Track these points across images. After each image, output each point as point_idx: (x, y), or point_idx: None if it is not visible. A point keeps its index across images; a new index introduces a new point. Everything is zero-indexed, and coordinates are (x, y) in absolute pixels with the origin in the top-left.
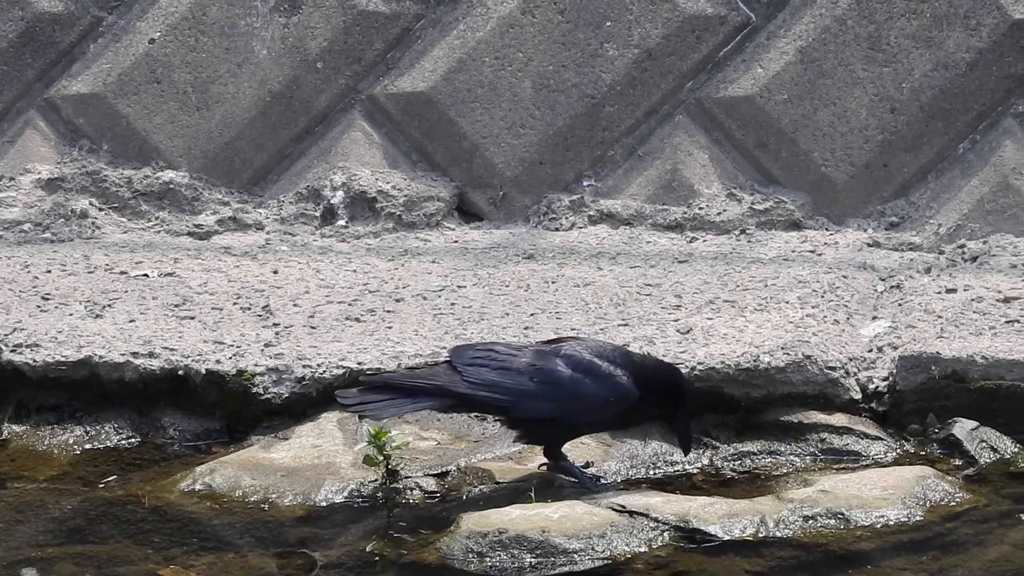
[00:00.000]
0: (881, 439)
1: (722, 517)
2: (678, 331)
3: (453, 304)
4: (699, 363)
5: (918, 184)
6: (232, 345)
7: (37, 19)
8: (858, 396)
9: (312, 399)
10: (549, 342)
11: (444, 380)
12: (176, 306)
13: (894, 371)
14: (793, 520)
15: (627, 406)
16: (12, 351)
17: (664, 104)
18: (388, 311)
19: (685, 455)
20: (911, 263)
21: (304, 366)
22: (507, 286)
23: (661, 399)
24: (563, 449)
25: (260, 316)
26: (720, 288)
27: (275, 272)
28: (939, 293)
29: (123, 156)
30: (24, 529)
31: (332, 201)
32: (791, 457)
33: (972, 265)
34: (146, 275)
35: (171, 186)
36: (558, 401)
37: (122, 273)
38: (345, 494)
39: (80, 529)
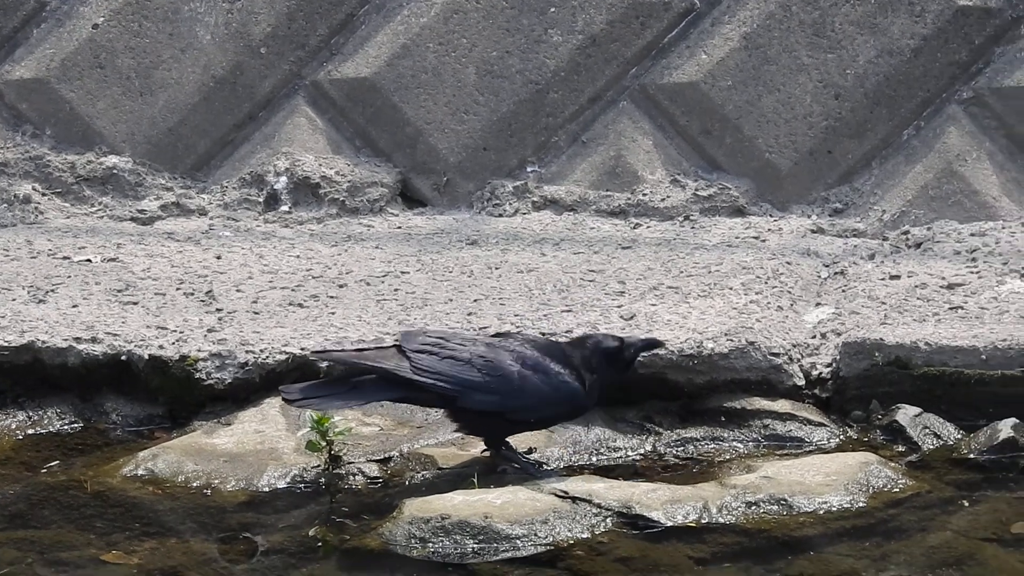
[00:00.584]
0: (824, 425)
1: (665, 503)
2: (621, 317)
3: (396, 290)
4: None
5: (862, 170)
6: (175, 330)
7: None
8: (801, 382)
9: (255, 384)
10: (499, 335)
11: (391, 364)
12: (119, 291)
13: (837, 357)
14: (736, 506)
15: (571, 407)
16: None
17: (608, 90)
18: (331, 297)
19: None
20: (855, 249)
21: (247, 351)
22: (450, 272)
23: (606, 377)
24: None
25: (203, 301)
26: (664, 274)
27: (218, 257)
28: (883, 279)
29: (66, 141)
30: None
31: (275, 187)
32: (734, 443)
33: (916, 251)
34: (89, 260)
35: (114, 171)
36: (504, 395)
37: (65, 258)
38: (288, 480)
39: (22, 514)
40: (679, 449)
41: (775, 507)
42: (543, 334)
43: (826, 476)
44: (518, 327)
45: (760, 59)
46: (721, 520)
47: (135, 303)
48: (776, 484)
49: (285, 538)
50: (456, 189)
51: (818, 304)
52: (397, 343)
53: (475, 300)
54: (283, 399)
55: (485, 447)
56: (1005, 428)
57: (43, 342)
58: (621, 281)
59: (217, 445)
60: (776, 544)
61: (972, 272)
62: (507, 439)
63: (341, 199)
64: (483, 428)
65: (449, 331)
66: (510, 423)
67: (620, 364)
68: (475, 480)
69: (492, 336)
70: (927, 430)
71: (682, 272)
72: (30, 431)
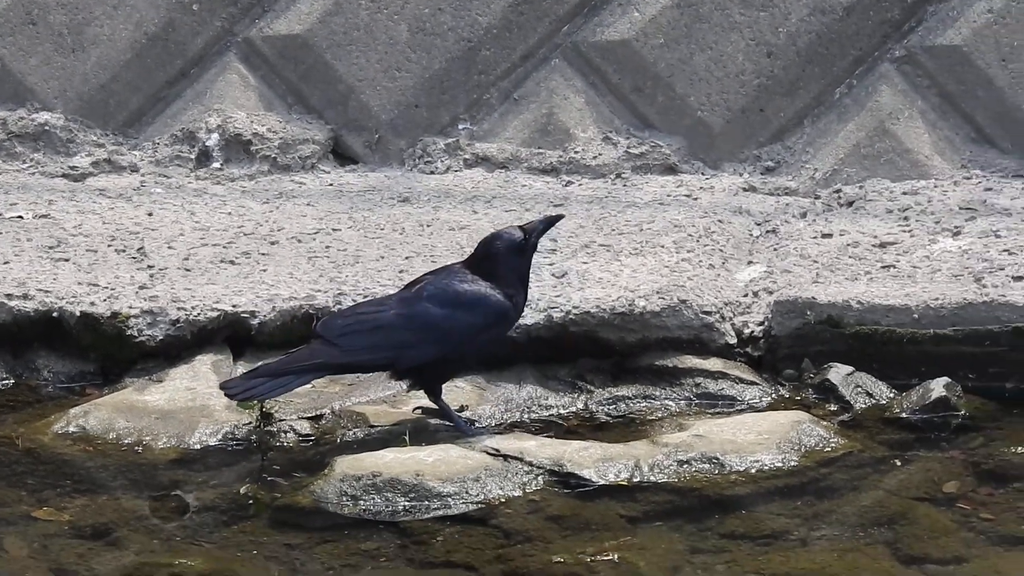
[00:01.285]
0: (756, 384)
1: (596, 461)
2: (553, 275)
3: (328, 247)
4: (574, 307)
5: (794, 129)
6: (107, 287)
7: None
8: (733, 341)
9: (187, 341)
10: (409, 285)
11: (324, 356)
12: (51, 248)
13: (769, 316)
14: (668, 465)
15: (506, 323)
16: None
17: (540, 48)
18: (263, 254)
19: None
20: (787, 208)
21: (179, 308)
22: (382, 229)
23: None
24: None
25: (135, 258)
26: (595, 232)
27: (150, 214)
28: (815, 238)
29: None
30: None
31: (207, 143)
32: (666, 402)
33: (848, 210)
34: (21, 217)
35: (46, 128)
36: (437, 342)
37: None
38: (219, 437)
39: None
40: (611, 407)
41: (707, 466)
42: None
43: (758, 435)
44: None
45: (692, 17)
46: (653, 479)
47: (67, 260)
48: (708, 443)
49: (216, 496)
50: (388, 146)
51: (750, 262)
52: (319, 334)
53: (407, 257)
54: (225, 395)
55: (418, 403)
56: (937, 387)
57: None
58: (553, 239)
59: (148, 402)
60: (708, 503)
61: (904, 231)
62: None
63: (273, 156)
64: (433, 377)
65: (361, 303)
66: (454, 362)
67: (529, 251)
68: (407, 438)
69: (403, 289)
70: (859, 389)
71: (614, 230)
72: None
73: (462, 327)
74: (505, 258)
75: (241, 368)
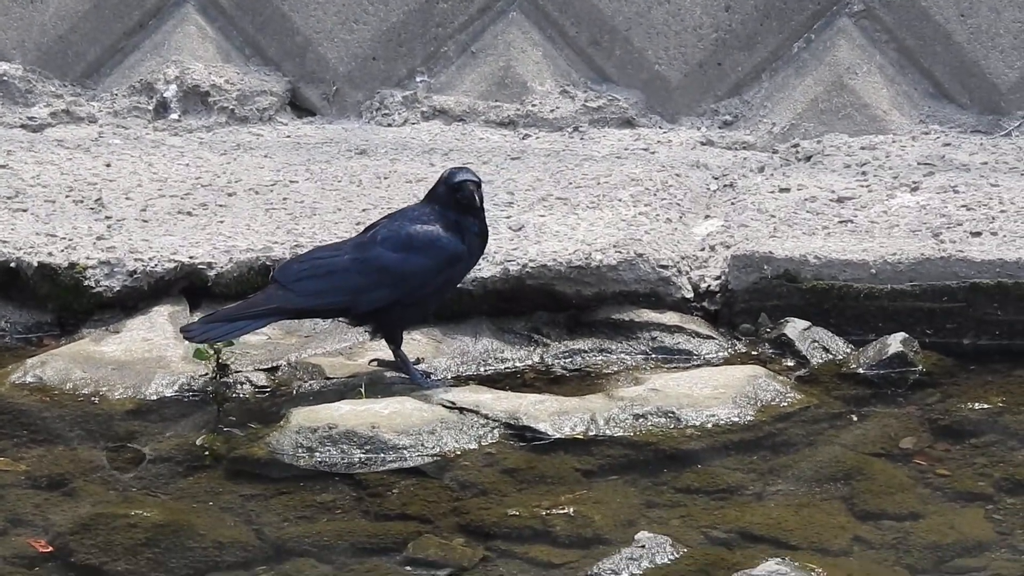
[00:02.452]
0: (713, 338)
1: (552, 415)
2: (510, 228)
3: (285, 199)
4: (531, 260)
5: (752, 83)
6: (64, 238)
7: None
8: (690, 295)
9: (144, 292)
10: (367, 230)
11: (279, 301)
12: (8, 199)
13: (726, 270)
14: (623, 418)
15: (463, 266)
16: None
17: (498, 0)
18: (220, 205)
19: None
20: (744, 162)
21: (136, 259)
22: (339, 181)
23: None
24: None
25: (93, 209)
26: (552, 185)
27: (108, 165)
28: (772, 192)
29: None
30: None
31: (165, 95)
32: (622, 355)
33: (806, 164)
34: None
35: (4, 78)
36: (392, 286)
37: None
38: (175, 388)
39: None
40: (567, 361)
41: (663, 420)
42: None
43: (714, 389)
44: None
45: None
46: (608, 432)
47: (24, 210)
48: (664, 397)
49: (172, 446)
50: (345, 99)
51: (707, 217)
52: (275, 279)
53: (364, 210)
54: (184, 338)
55: (373, 355)
56: (894, 343)
57: None
58: (510, 192)
59: (105, 353)
60: (663, 457)
61: (862, 186)
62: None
63: (231, 108)
64: (386, 324)
65: (317, 247)
66: (413, 306)
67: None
68: (363, 390)
69: (360, 234)
70: (816, 344)
71: (571, 183)
72: None
73: (415, 270)
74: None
75: (196, 316)
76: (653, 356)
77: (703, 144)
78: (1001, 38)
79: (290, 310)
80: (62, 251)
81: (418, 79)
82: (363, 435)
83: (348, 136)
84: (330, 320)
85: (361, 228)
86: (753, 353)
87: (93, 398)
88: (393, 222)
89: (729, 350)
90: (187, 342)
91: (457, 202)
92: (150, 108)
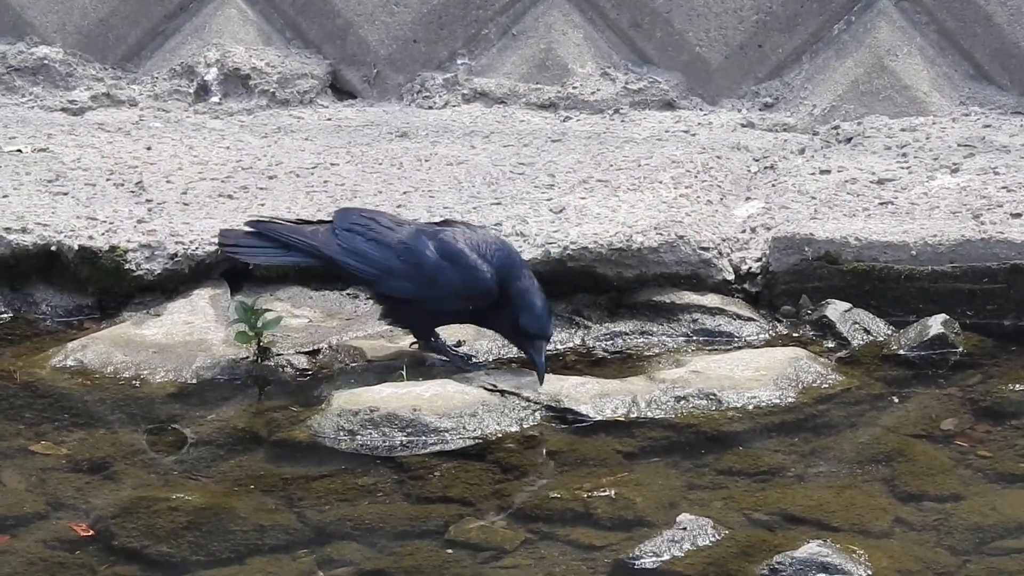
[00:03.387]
0: (754, 320)
1: (593, 397)
2: (551, 210)
3: (326, 182)
4: (572, 242)
5: (792, 65)
6: (105, 221)
7: None
8: (731, 277)
9: (184, 275)
10: (435, 223)
11: (320, 240)
12: (49, 182)
13: (767, 252)
14: (665, 400)
15: (485, 303)
16: None
17: None
18: (261, 188)
19: (540, 384)
20: (785, 144)
21: (177, 242)
22: (380, 164)
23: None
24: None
25: (133, 192)
26: (593, 168)
27: (148, 148)
28: (813, 174)
29: None
30: None
31: (206, 78)
32: (663, 337)
33: (846, 146)
34: (20, 151)
35: (45, 62)
36: (417, 283)
37: None
38: (216, 371)
39: None
40: (608, 343)
41: (704, 402)
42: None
43: (755, 371)
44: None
45: None
46: (650, 414)
47: (65, 193)
48: (705, 379)
49: (213, 429)
50: (386, 81)
51: (748, 198)
52: (331, 220)
53: (404, 192)
54: (219, 243)
55: (414, 340)
56: (935, 324)
57: None
58: (551, 174)
59: (146, 336)
60: (704, 439)
61: (902, 167)
62: (436, 332)
63: (271, 90)
64: (405, 318)
65: (387, 214)
66: (426, 313)
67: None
68: (404, 373)
69: (432, 223)
70: (857, 325)
71: (612, 166)
72: None
73: (445, 281)
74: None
75: (239, 303)
76: (694, 338)
77: (744, 126)
78: None
79: (324, 256)
80: (103, 234)
81: (459, 61)
82: (405, 418)
83: (389, 119)
84: (370, 303)
85: (402, 211)
86: (794, 335)
87: (134, 381)
88: (460, 232)
89: (770, 332)
90: (219, 247)
91: (523, 332)
92: (191, 91)
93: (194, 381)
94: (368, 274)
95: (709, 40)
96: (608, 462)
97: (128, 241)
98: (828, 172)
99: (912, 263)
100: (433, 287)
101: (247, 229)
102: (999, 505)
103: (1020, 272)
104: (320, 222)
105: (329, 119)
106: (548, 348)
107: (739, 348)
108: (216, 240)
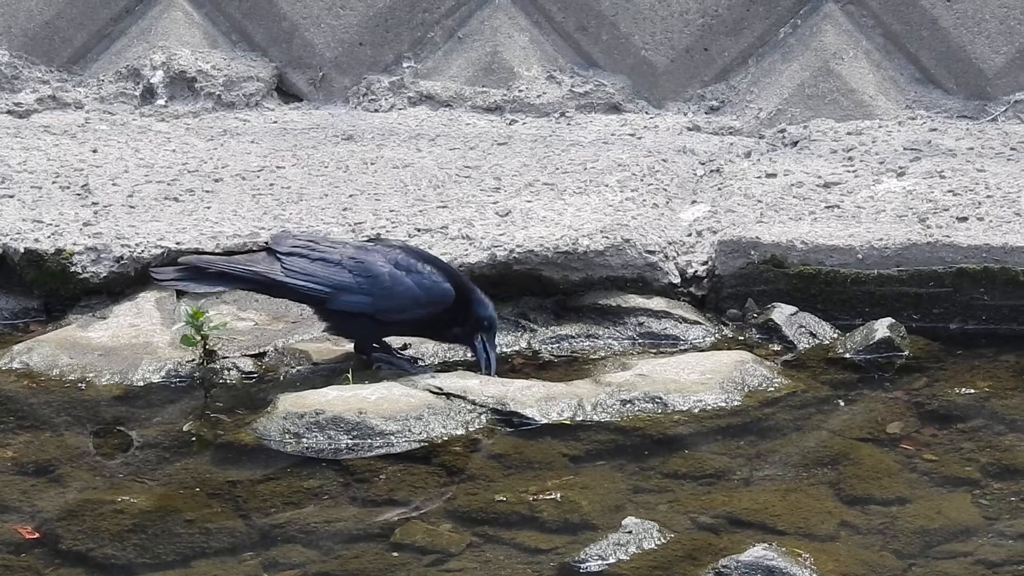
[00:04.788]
0: (700, 323)
1: (539, 400)
2: (497, 213)
3: (272, 185)
4: (518, 246)
5: (739, 68)
6: (51, 224)
7: None
8: (677, 280)
9: (130, 278)
10: (373, 240)
11: (262, 267)
12: None
13: (713, 255)
14: (611, 404)
15: (441, 308)
16: None
17: None
18: (207, 191)
19: (485, 373)
20: (731, 147)
21: (123, 245)
22: (326, 167)
23: (465, 316)
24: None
25: (79, 195)
26: (539, 171)
27: (94, 151)
28: (759, 178)
29: None
30: None
31: (152, 80)
32: (609, 341)
33: (792, 150)
34: None
35: None
36: (374, 296)
37: None
38: (162, 374)
39: None
40: (554, 346)
41: (650, 405)
42: (418, 230)
43: (701, 374)
44: (394, 223)
45: None
46: (596, 418)
47: (11, 196)
48: (651, 382)
49: (159, 432)
50: (332, 84)
51: (694, 202)
52: (267, 245)
53: (351, 195)
54: (153, 279)
55: (355, 350)
56: (881, 328)
57: None
58: (497, 177)
59: (92, 339)
60: (650, 442)
61: (849, 171)
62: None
63: (217, 93)
64: (353, 330)
65: (319, 234)
66: (380, 324)
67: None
68: (350, 376)
69: (365, 240)
70: (803, 329)
71: (558, 169)
72: None
73: (403, 291)
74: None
75: (184, 306)
76: (640, 341)
77: (690, 129)
78: (987, 23)
79: (268, 280)
80: (49, 237)
81: (405, 64)
82: (350, 421)
83: (335, 122)
84: (305, 305)
85: (348, 214)
86: (740, 338)
87: (80, 384)
88: (401, 245)
89: (716, 335)
90: (155, 282)
91: (477, 321)
92: (137, 94)
93: (140, 384)
94: (320, 292)
95: (655, 43)
96: (554, 465)
97: (74, 244)
98: (774, 176)
99: (858, 267)
100: (391, 298)
101: (179, 266)
102: (944, 508)
103: (966, 276)
104: (250, 251)
105: (275, 122)
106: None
107: (685, 351)
108: (152, 275)
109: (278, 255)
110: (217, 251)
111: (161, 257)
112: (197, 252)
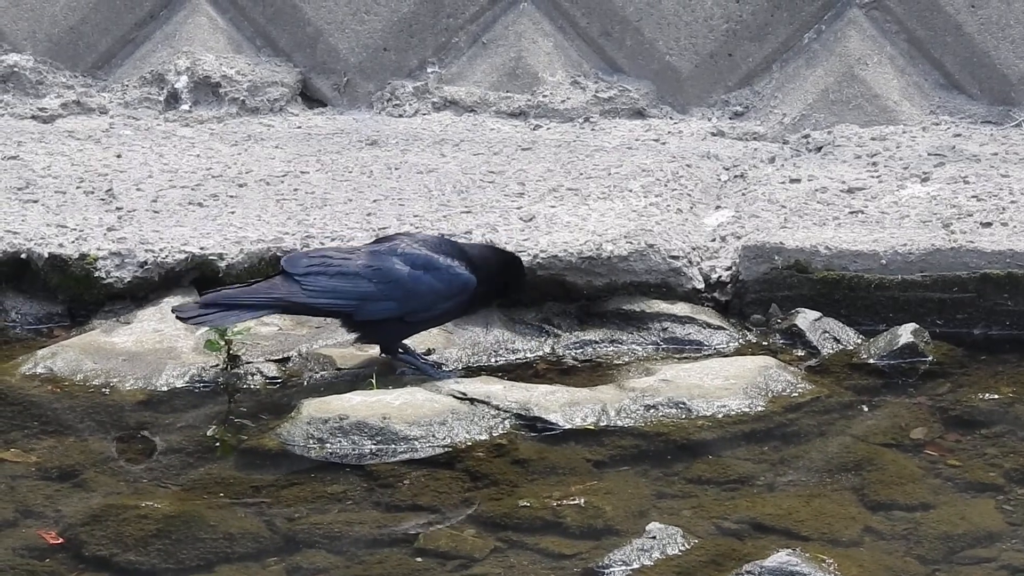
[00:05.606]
0: (724, 329)
1: (563, 406)
2: (521, 219)
3: (296, 190)
4: (542, 251)
5: (763, 74)
6: (75, 229)
7: None
8: (701, 285)
9: (154, 283)
10: (380, 241)
11: (283, 292)
12: (19, 189)
13: (737, 261)
14: (634, 409)
15: (468, 297)
16: None
17: None
18: (231, 196)
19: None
20: (755, 153)
21: (147, 250)
22: (350, 172)
23: (499, 284)
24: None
25: (103, 200)
26: (563, 176)
27: (119, 156)
28: (783, 183)
29: None
30: None
31: (176, 86)
32: (633, 346)
33: (816, 155)
34: None
35: (15, 69)
36: (399, 300)
37: None
38: (186, 379)
39: None
40: (578, 351)
41: (673, 410)
42: (440, 234)
43: (725, 380)
44: (418, 228)
45: None
46: (619, 423)
47: (35, 201)
48: (675, 387)
49: (183, 438)
50: (356, 89)
51: (718, 207)
52: (283, 270)
53: (375, 201)
54: (176, 318)
55: (381, 352)
56: (905, 333)
57: None
58: (521, 183)
59: (116, 344)
60: (674, 447)
61: (873, 176)
62: (404, 341)
63: (241, 98)
64: (380, 335)
65: (330, 247)
66: (408, 324)
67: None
68: (373, 381)
69: (374, 241)
70: (827, 334)
71: (582, 174)
72: None
73: (425, 289)
74: (484, 262)
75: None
76: (664, 347)
77: (714, 135)
78: (1011, 29)
79: (291, 303)
80: (73, 242)
81: (429, 70)
82: (374, 426)
83: (359, 127)
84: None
85: (372, 219)
86: (764, 344)
87: (104, 389)
88: (412, 239)
89: (740, 341)
90: (180, 321)
91: (506, 266)
92: (161, 99)
93: (164, 389)
94: (345, 307)
95: (679, 49)
96: (578, 470)
97: (98, 249)
98: (798, 181)
99: (882, 272)
100: (415, 298)
101: (200, 302)
102: (968, 514)
103: (990, 281)
104: (266, 277)
105: (299, 127)
106: (518, 356)
107: (709, 357)
108: (176, 315)
109: (295, 277)
110: (235, 284)
111: (186, 262)
112: (206, 295)
